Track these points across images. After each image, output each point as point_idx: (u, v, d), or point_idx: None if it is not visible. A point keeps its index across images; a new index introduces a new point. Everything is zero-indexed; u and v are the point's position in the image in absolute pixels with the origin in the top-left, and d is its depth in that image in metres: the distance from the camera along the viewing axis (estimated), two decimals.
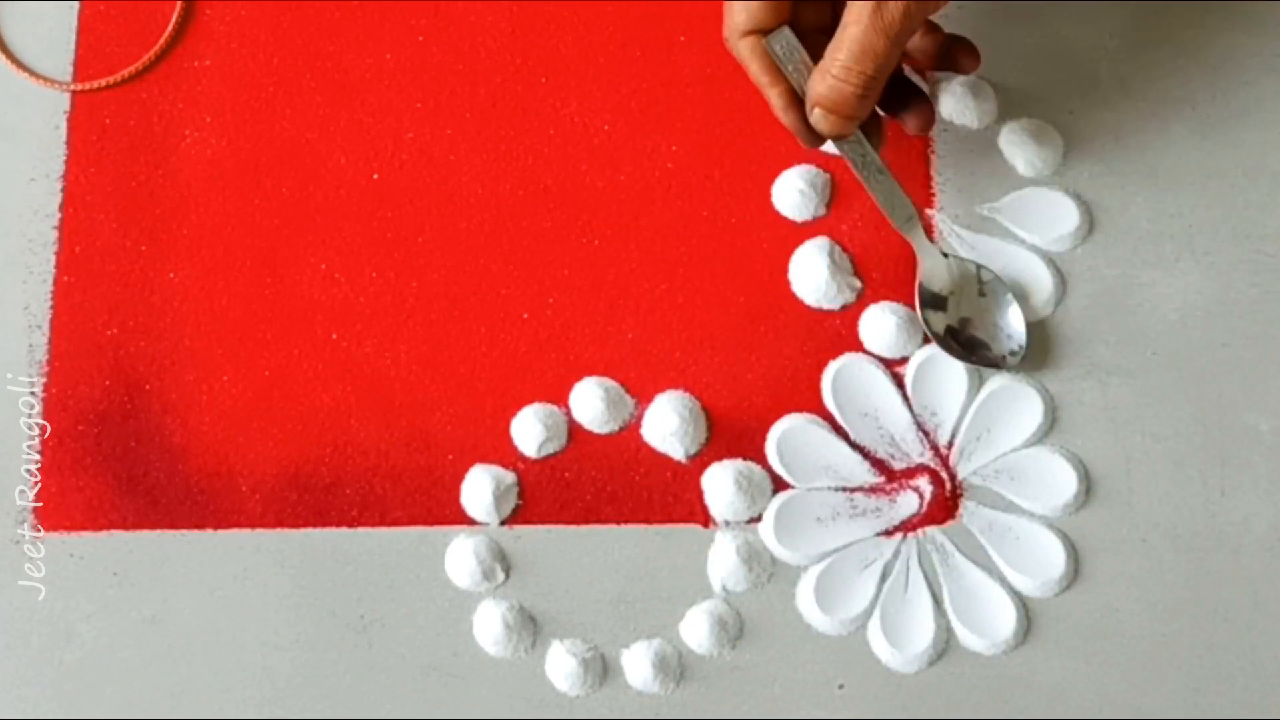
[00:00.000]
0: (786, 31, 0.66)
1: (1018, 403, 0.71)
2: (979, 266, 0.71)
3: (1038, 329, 0.72)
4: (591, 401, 0.71)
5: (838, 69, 0.64)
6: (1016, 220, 0.73)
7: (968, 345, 0.71)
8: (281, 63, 0.77)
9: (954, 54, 0.70)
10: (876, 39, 0.63)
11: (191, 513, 0.71)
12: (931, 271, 0.71)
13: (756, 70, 0.67)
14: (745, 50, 0.67)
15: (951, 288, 0.71)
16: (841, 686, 0.69)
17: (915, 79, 0.72)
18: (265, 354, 0.73)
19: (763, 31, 0.66)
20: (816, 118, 0.66)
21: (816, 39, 0.67)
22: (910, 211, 0.70)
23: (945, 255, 0.71)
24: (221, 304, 0.74)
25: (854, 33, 0.64)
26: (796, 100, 0.67)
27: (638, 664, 0.69)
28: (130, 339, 0.73)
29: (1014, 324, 0.71)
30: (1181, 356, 0.72)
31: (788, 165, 0.74)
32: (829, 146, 0.69)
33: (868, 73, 0.64)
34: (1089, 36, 0.75)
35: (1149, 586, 0.69)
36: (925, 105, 0.70)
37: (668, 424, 0.71)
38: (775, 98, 0.68)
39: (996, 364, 0.71)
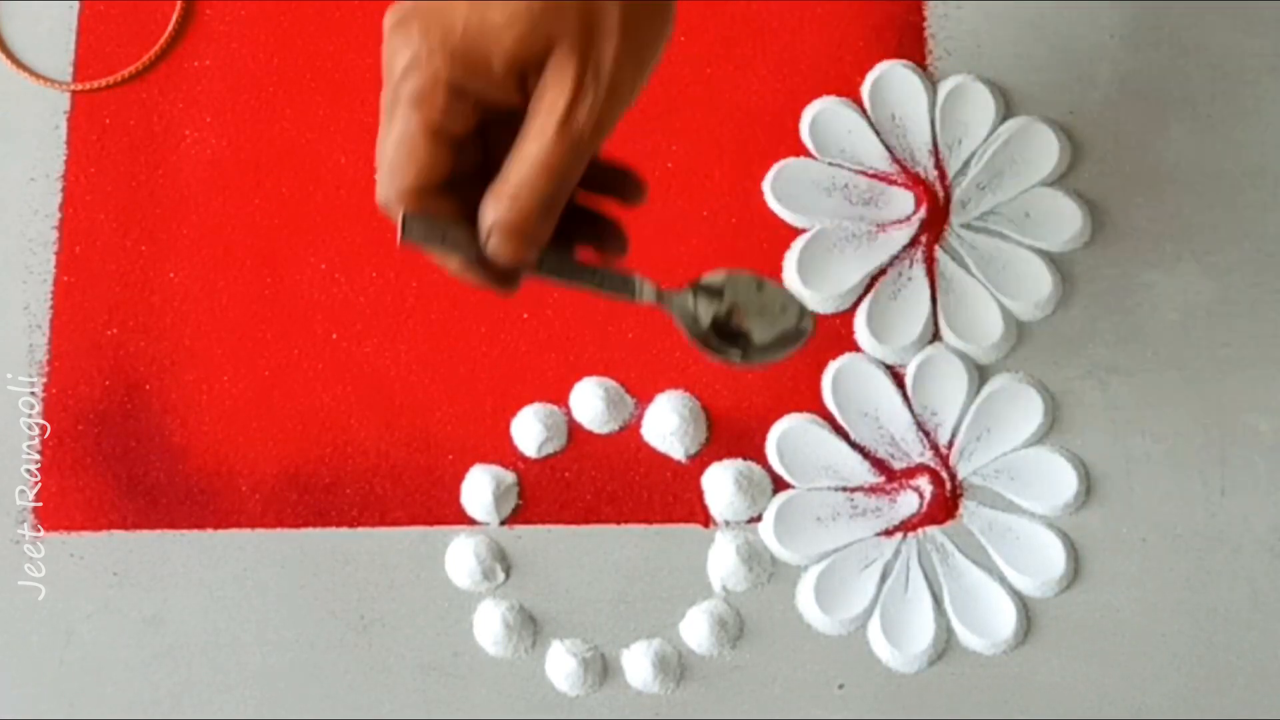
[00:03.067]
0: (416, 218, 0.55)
1: (1018, 403, 0.71)
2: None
3: (1038, 329, 0.72)
4: (591, 401, 0.71)
5: (512, 189, 0.54)
6: (1017, 220, 0.73)
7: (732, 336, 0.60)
8: (281, 63, 0.77)
9: (617, 182, 0.59)
10: (562, 153, 0.53)
11: (191, 513, 0.71)
12: (684, 315, 0.60)
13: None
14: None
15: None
16: (841, 686, 0.69)
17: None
18: (265, 354, 0.73)
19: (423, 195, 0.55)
20: (493, 245, 0.54)
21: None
22: (645, 287, 0.58)
23: (694, 295, 0.60)
24: (221, 304, 0.74)
25: (533, 149, 0.53)
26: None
27: (638, 664, 0.69)
28: (130, 339, 0.73)
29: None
30: (1181, 356, 0.72)
31: None
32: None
33: (548, 189, 0.54)
34: (1089, 36, 0.75)
35: (1149, 586, 0.69)
36: (624, 180, 0.59)
37: (668, 424, 0.71)
38: (452, 262, 0.57)
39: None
